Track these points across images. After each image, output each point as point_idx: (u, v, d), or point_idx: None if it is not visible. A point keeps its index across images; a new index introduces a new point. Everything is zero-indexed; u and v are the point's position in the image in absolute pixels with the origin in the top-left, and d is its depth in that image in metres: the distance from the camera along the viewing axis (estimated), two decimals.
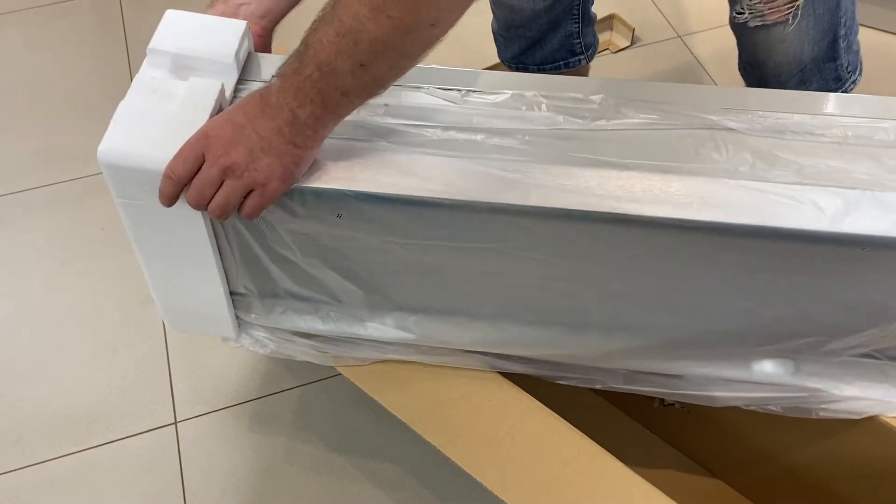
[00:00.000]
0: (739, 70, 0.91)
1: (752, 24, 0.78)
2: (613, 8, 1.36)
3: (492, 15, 1.02)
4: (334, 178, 0.52)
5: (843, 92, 0.86)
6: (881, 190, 0.50)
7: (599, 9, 1.37)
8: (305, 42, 0.49)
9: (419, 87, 0.59)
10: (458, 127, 0.56)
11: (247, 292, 0.63)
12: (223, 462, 0.93)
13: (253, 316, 0.65)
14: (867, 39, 0.89)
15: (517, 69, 1.04)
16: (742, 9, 0.78)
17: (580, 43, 1.02)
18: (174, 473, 0.92)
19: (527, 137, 0.56)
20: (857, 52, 0.85)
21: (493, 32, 1.03)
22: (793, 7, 0.75)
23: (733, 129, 0.55)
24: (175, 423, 0.97)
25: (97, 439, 0.95)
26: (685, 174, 0.53)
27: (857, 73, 0.86)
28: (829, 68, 0.83)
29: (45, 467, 0.93)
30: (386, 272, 0.60)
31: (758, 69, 0.84)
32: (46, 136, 1.31)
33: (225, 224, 0.56)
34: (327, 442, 0.94)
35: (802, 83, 0.83)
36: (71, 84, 1.39)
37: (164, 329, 1.05)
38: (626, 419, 0.94)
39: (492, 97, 0.58)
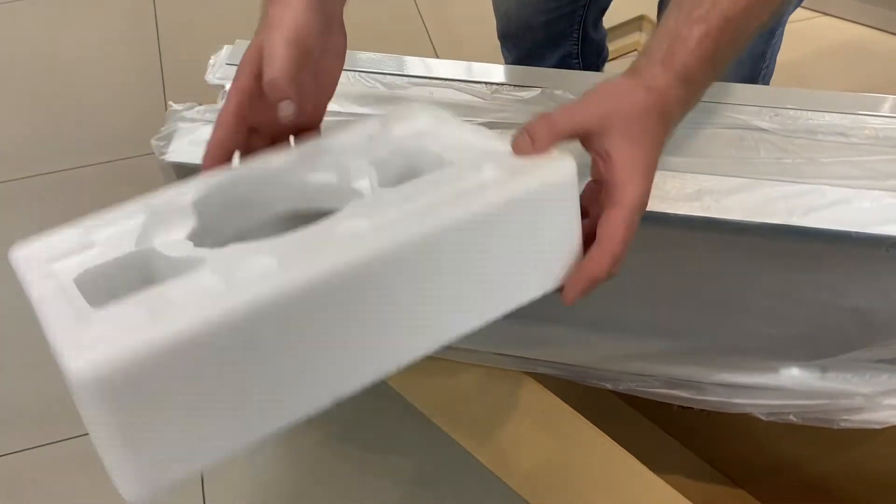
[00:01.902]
0: None
1: None
2: (642, 9, 1.37)
3: None
4: None
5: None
6: None
7: (628, 10, 1.38)
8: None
9: (449, 83, 0.60)
10: (487, 123, 0.57)
11: None
12: None
13: None
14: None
15: None
16: None
17: (578, 63, 1.01)
18: None
19: None
20: None
21: (499, 38, 1.02)
22: None
23: (764, 129, 0.56)
24: None
25: None
26: (715, 173, 0.53)
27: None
28: (745, 64, 0.84)
29: (57, 447, 0.96)
30: None
31: None
32: (75, 122, 1.34)
33: None
34: (343, 431, 0.96)
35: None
36: (101, 72, 1.43)
37: None
38: (646, 421, 0.95)
39: (521, 93, 0.59)
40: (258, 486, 0.92)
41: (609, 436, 0.76)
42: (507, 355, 0.68)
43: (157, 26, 1.53)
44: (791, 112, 0.57)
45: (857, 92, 0.58)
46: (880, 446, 0.68)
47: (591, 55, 1.02)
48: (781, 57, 0.85)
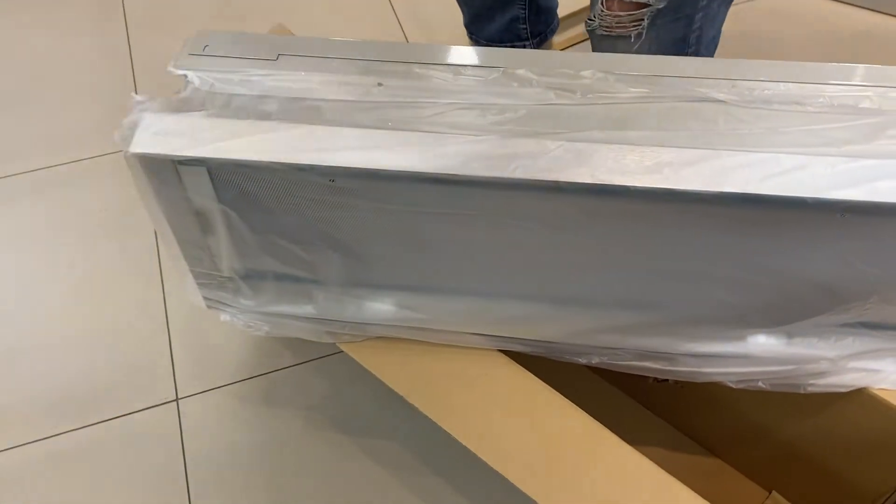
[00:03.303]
0: None
1: (598, 32, 0.80)
2: None
3: None
4: (326, 152, 0.54)
5: None
6: (863, 157, 0.52)
7: None
8: None
9: (412, 65, 0.60)
10: (450, 104, 0.58)
11: (234, 275, 0.65)
12: (224, 438, 0.96)
13: (242, 301, 0.67)
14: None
15: (471, 39, 1.07)
16: (594, 17, 0.80)
17: (526, 29, 1.03)
18: (176, 449, 0.95)
19: (519, 113, 0.58)
20: None
21: None
22: (637, 26, 0.77)
23: (722, 101, 0.57)
24: (177, 399, 0.99)
25: (100, 416, 0.98)
26: (674, 146, 0.54)
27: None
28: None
29: (49, 443, 0.96)
30: (381, 249, 0.62)
31: None
32: (47, 119, 1.33)
33: (207, 201, 0.58)
34: (326, 418, 0.97)
35: None
36: (71, 69, 1.42)
37: (165, 308, 1.08)
38: (623, 396, 0.96)
39: (484, 73, 0.60)
40: (241, 476, 0.93)
41: (586, 410, 0.77)
42: (481, 335, 0.69)
43: (125, 20, 1.52)
44: (748, 83, 0.58)
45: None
46: (848, 409, 0.70)
47: (539, 22, 1.03)
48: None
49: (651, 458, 0.95)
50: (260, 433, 0.96)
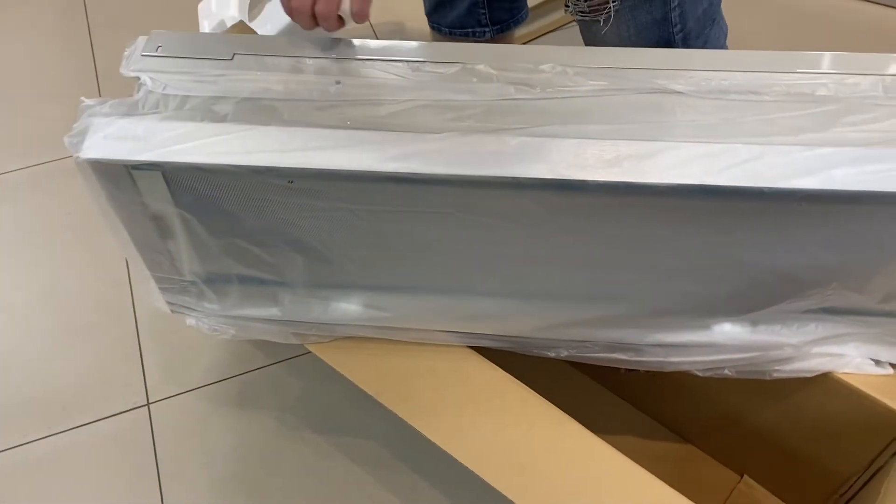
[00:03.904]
0: None
1: (573, 14, 0.80)
2: None
3: None
4: (282, 153, 0.53)
5: None
6: (819, 145, 0.52)
7: None
8: None
9: (371, 62, 0.60)
10: (409, 101, 0.57)
11: (196, 279, 0.64)
12: (196, 441, 0.95)
13: (206, 305, 0.66)
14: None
15: (433, 28, 1.07)
16: (569, 2, 0.80)
17: (485, 15, 1.03)
18: (148, 453, 0.94)
19: (479, 109, 0.57)
20: None
21: None
22: (605, 9, 0.76)
23: (679, 92, 0.57)
24: (148, 404, 0.98)
25: (70, 423, 0.97)
26: (633, 138, 0.54)
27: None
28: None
29: (19, 451, 0.95)
30: (345, 249, 0.62)
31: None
32: (10, 122, 1.31)
33: (163, 205, 0.57)
34: (299, 418, 0.96)
35: None
36: (33, 69, 1.39)
37: (134, 311, 1.07)
38: (596, 386, 0.97)
39: (443, 69, 0.59)
40: (215, 479, 0.92)
41: (559, 401, 0.77)
42: (450, 332, 0.69)
43: (87, 18, 1.49)
44: (704, 73, 0.58)
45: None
46: (814, 393, 0.70)
47: (500, 9, 1.02)
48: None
49: (624, 446, 0.95)
50: (233, 436, 0.95)
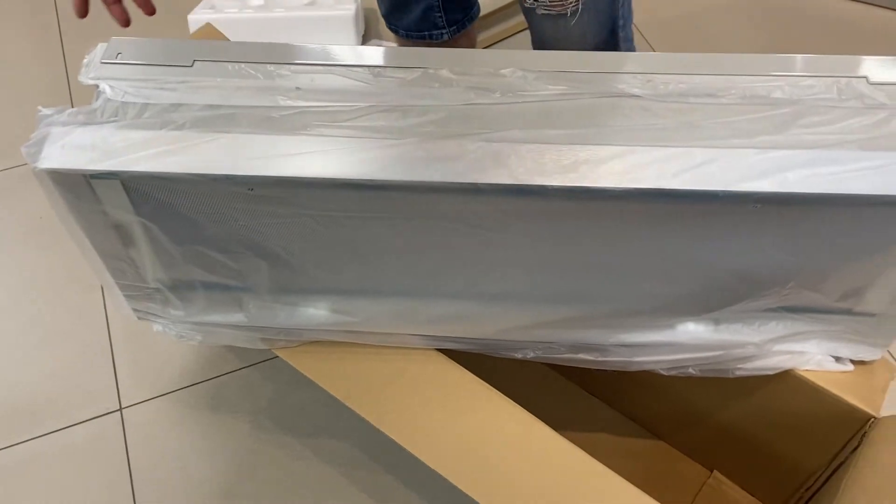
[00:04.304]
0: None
1: (539, 11, 0.82)
2: None
3: None
4: (241, 161, 0.53)
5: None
6: (773, 148, 0.53)
7: None
8: None
9: (332, 67, 0.60)
10: (370, 107, 0.57)
11: (161, 286, 0.64)
12: (169, 446, 0.95)
13: (172, 312, 0.66)
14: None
15: (391, 30, 1.07)
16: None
17: (441, 17, 1.03)
18: (121, 459, 0.94)
19: (440, 115, 0.57)
20: (632, 41, 0.91)
21: None
22: (576, 2, 0.79)
23: (638, 96, 0.57)
24: (120, 409, 0.98)
25: (42, 429, 0.96)
26: (592, 143, 0.55)
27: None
28: (612, 42, 0.89)
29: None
30: (308, 254, 0.62)
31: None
32: None
33: (124, 214, 0.57)
34: (273, 421, 0.96)
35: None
36: (5, 76, 1.38)
37: (106, 316, 1.06)
38: (570, 384, 0.98)
39: (404, 74, 0.60)
40: (190, 484, 0.92)
41: (532, 400, 0.78)
42: (417, 335, 0.69)
43: (57, 19, 1.48)
44: (663, 77, 0.58)
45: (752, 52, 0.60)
46: (777, 390, 0.71)
47: (454, 9, 1.03)
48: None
49: (597, 443, 0.97)
50: (207, 440, 0.95)
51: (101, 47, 0.61)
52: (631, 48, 0.91)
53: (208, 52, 0.60)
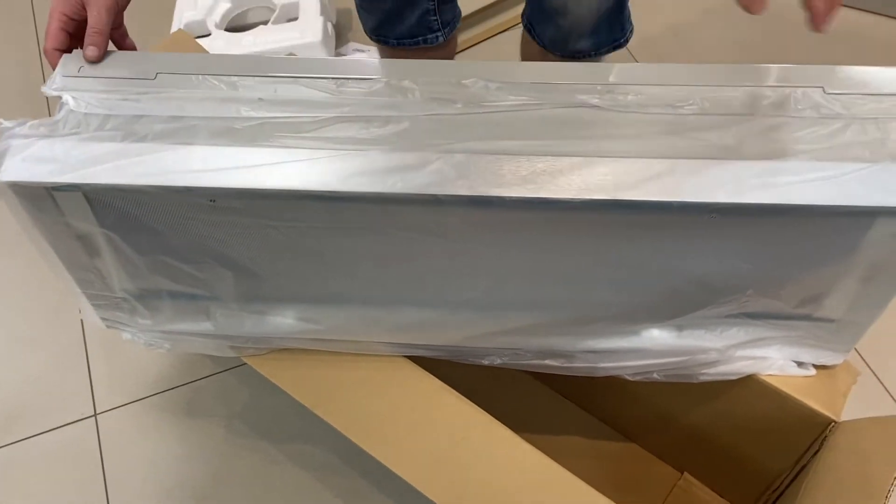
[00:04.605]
0: (525, 27, 1.01)
1: None
2: None
3: None
4: (202, 173, 0.54)
5: (624, 41, 0.99)
6: (729, 159, 0.54)
7: None
8: None
9: (295, 78, 0.60)
10: (332, 118, 0.58)
11: (127, 296, 0.64)
12: (144, 451, 0.95)
13: (140, 321, 0.66)
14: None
15: (378, 41, 1.06)
16: None
17: (437, 20, 1.03)
18: (95, 464, 0.94)
19: (402, 125, 0.58)
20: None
21: (356, 4, 1.04)
22: None
23: (598, 106, 0.58)
24: (95, 414, 0.98)
25: (15, 435, 0.96)
26: (550, 154, 0.55)
27: (631, 25, 0.98)
28: (617, 19, 0.95)
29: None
30: (273, 264, 0.62)
31: (559, 18, 0.93)
32: None
33: (87, 226, 0.57)
34: (248, 426, 0.96)
35: (595, 32, 0.93)
36: None
37: (81, 321, 1.06)
38: (543, 388, 0.98)
39: (367, 86, 0.60)
40: (164, 490, 0.92)
41: (508, 404, 0.78)
42: (384, 342, 0.70)
43: (37, 36, 1.47)
44: (624, 87, 0.59)
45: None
46: (742, 394, 0.72)
47: (447, 11, 1.03)
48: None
49: (570, 446, 0.98)
50: (182, 445, 0.95)
51: (64, 58, 0.61)
52: (629, 13, 0.94)
53: (172, 65, 0.60)
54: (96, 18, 0.59)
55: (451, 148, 0.56)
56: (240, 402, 0.99)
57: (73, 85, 0.59)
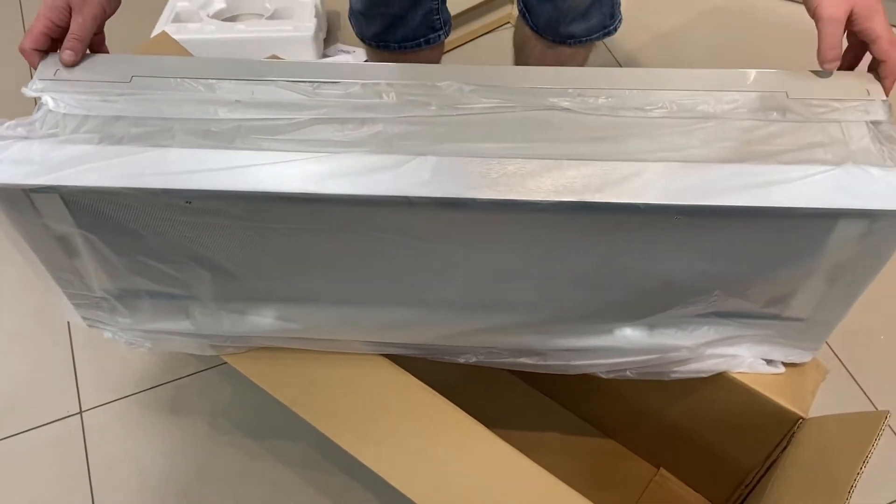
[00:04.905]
0: (520, 12, 1.02)
1: None
2: None
3: None
4: (177, 175, 0.54)
5: (613, 29, 1.00)
6: (696, 160, 0.54)
7: None
8: None
9: (272, 81, 0.61)
10: (308, 120, 0.58)
11: (107, 295, 0.65)
12: (128, 447, 0.95)
13: (120, 320, 0.67)
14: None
15: (378, 47, 1.05)
16: None
17: (439, 19, 1.04)
18: (80, 461, 0.94)
19: (377, 127, 0.58)
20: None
21: (353, 11, 1.03)
22: None
23: (569, 110, 0.59)
24: (80, 412, 0.98)
25: (2, 432, 0.97)
26: (521, 156, 0.56)
27: (621, 14, 1.00)
28: (608, 4, 0.97)
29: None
30: (250, 264, 0.62)
31: (553, 3, 0.94)
32: None
33: (65, 227, 0.58)
34: (232, 422, 0.97)
35: (587, 16, 0.95)
36: None
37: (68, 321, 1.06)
38: (525, 386, 0.99)
39: (342, 89, 0.60)
40: (147, 486, 0.93)
41: (490, 402, 0.79)
42: (361, 341, 0.70)
43: (24, 33, 1.47)
44: (594, 91, 0.60)
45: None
46: (714, 392, 0.73)
47: (445, 9, 1.04)
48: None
49: (550, 442, 0.99)
50: (166, 441, 0.96)
51: (43, 63, 0.61)
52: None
53: (148, 68, 0.61)
54: (80, 26, 0.59)
55: (425, 150, 0.57)
56: (223, 399, 0.99)
57: (52, 87, 0.59)
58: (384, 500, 0.92)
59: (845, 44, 0.60)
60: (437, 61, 1.11)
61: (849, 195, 0.53)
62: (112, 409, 0.99)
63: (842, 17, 0.57)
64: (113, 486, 0.93)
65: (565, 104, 0.59)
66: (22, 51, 0.61)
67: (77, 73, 0.60)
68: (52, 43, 0.61)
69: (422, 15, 1.01)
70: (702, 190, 0.53)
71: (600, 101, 0.59)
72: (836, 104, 0.57)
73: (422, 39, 1.04)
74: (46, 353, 1.03)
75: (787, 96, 0.58)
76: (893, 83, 0.59)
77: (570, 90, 0.60)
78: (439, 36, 1.06)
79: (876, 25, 0.57)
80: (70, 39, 0.60)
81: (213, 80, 0.61)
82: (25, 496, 0.92)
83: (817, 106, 0.58)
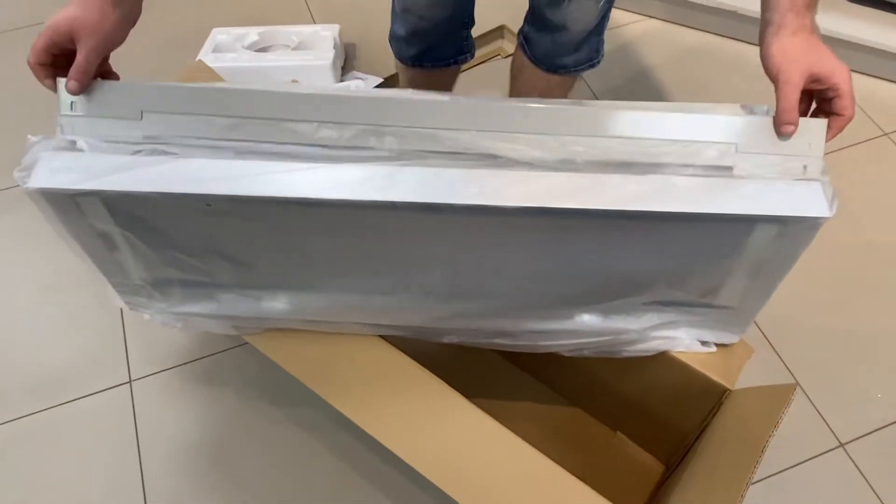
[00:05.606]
0: (519, 44, 0.98)
1: None
2: (501, 20, 1.38)
3: (391, 22, 1.01)
4: (197, 181, 0.53)
5: (597, 62, 0.97)
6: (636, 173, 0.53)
7: (489, 21, 1.39)
8: None
9: (275, 121, 0.57)
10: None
11: (144, 283, 0.64)
12: (170, 413, 0.95)
13: (156, 304, 0.67)
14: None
15: (413, 66, 1.04)
16: None
17: (467, 43, 1.04)
18: (129, 423, 0.94)
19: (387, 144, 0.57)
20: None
21: (394, 37, 1.02)
22: None
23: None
24: (130, 381, 0.98)
25: (64, 397, 0.96)
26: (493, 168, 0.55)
27: (603, 51, 0.96)
28: (595, 40, 0.93)
29: (21, 422, 0.94)
30: (264, 256, 0.62)
31: (557, 34, 0.91)
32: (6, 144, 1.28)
33: (106, 225, 0.57)
34: (257, 392, 0.97)
35: (576, 51, 0.92)
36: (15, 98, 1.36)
37: None
38: (503, 361, 0.98)
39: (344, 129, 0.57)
40: (186, 445, 0.92)
41: (471, 375, 0.78)
42: (361, 323, 0.70)
43: None
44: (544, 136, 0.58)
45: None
46: (659, 368, 0.72)
47: (470, 36, 1.03)
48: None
49: (524, 410, 0.97)
50: (202, 407, 0.96)
51: (60, 93, 0.55)
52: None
53: (157, 103, 0.55)
54: (84, 59, 0.54)
55: (411, 161, 0.56)
56: (250, 372, 0.99)
57: (72, 124, 0.56)
58: (383, 458, 0.91)
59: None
60: (457, 75, 1.10)
61: (764, 203, 0.52)
62: (157, 380, 0.98)
63: (799, 81, 0.52)
64: (157, 444, 0.92)
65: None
66: (29, 65, 0.55)
67: (93, 106, 0.56)
68: (55, 59, 0.55)
69: (454, 41, 1.02)
70: (639, 198, 0.52)
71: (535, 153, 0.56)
72: (781, 160, 0.53)
73: (450, 60, 1.04)
74: (103, 331, 1.03)
75: (736, 149, 0.54)
76: (836, 135, 0.54)
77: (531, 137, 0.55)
78: (466, 57, 1.05)
79: (842, 82, 0.52)
80: (75, 71, 0.54)
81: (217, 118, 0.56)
82: (83, 452, 0.92)
83: (761, 162, 0.53)
